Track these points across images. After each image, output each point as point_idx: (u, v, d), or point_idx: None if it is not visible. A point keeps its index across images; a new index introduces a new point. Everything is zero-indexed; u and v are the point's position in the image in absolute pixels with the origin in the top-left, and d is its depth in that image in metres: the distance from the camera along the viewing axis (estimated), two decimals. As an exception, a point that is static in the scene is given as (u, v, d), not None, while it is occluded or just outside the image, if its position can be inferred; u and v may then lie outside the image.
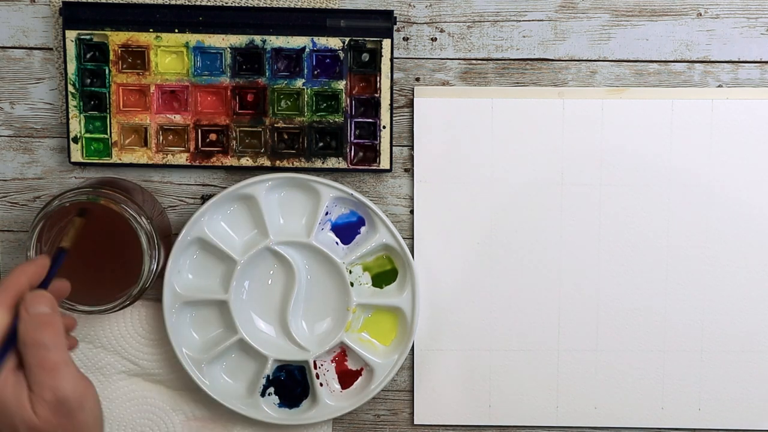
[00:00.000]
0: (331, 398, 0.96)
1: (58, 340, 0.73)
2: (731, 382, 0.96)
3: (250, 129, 0.93)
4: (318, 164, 0.94)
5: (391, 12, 0.92)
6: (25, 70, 0.94)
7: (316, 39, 0.92)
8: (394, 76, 0.93)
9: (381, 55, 0.92)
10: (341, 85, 0.92)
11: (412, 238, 0.95)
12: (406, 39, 0.93)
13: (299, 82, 0.92)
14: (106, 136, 0.93)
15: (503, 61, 0.93)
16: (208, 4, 0.92)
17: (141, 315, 0.96)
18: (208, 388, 0.95)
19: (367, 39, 0.92)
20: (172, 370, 0.97)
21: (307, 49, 0.92)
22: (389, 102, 0.92)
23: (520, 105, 0.93)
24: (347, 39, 0.92)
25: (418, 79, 0.94)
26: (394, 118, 0.94)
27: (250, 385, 0.96)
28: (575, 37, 0.93)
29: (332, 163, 0.93)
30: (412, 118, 0.94)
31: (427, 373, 0.97)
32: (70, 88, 0.92)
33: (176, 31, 0.92)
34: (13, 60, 0.94)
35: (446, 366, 0.96)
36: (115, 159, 0.94)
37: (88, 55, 0.92)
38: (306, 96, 0.93)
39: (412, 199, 0.95)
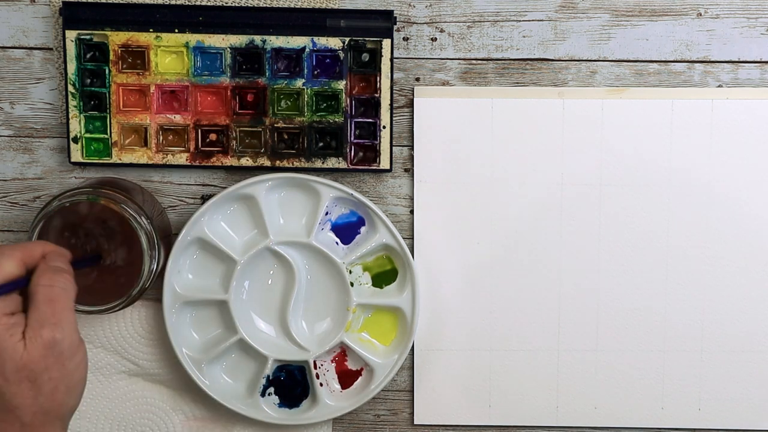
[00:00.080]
0: (331, 398, 0.96)
1: (70, 289, 0.75)
2: (731, 382, 0.96)
3: (250, 129, 0.93)
4: (318, 164, 0.94)
5: (391, 12, 0.92)
6: (25, 70, 0.94)
7: (316, 39, 0.92)
8: (394, 76, 0.93)
9: (381, 55, 0.92)
10: (341, 85, 0.92)
11: (412, 238, 0.95)
12: (406, 39, 0.93)
13: (299, 82, 0.92)
14: (106, 136, 0.93)
15: (503, 61, 0.93)
16: (208, 4, 0.92)
17: (141, 315, 0.96)
18: (208, 388, 0.95)
19: (367, 39, 0.92)
20: (172, 370, 0.97)
21: (307, 49, 0.92)
22: (389, 102, 0.92)
23: (520, 105, 0.93)
24: (347, 39, 0.92)
25: (418, 79, 0.94)
26: (394, 118, 0.94)
27: (250, 385, 0.96)
28: (575, 37, 0.93)
29: (332, 163, 0.93)
30: (412, 118, 0.94)
31: (427, 373, 0.97)
32: (70, 88, 0.92)
33: (176, 31, 0.92)
34: (13, 60, 0.94)
35: (446, 366, 0.96)
36: (115, 159, 0.94)
37: (88, 55, 0.92)
38: (306, 96, 0.93)
39: (412, 199, 0.95)
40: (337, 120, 0.93)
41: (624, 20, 0.93)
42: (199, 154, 0.94)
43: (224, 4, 0.92)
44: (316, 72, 0.92)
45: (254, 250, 0.93)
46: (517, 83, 0.94)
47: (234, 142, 0.93)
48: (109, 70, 0.92)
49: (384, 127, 0.93)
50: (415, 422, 0.97)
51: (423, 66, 0.94)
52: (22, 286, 0.75)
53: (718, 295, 0.95)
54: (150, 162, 0.94)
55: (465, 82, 0.94)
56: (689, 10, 0.93)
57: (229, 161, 0.94)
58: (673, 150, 0.94)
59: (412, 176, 0.95)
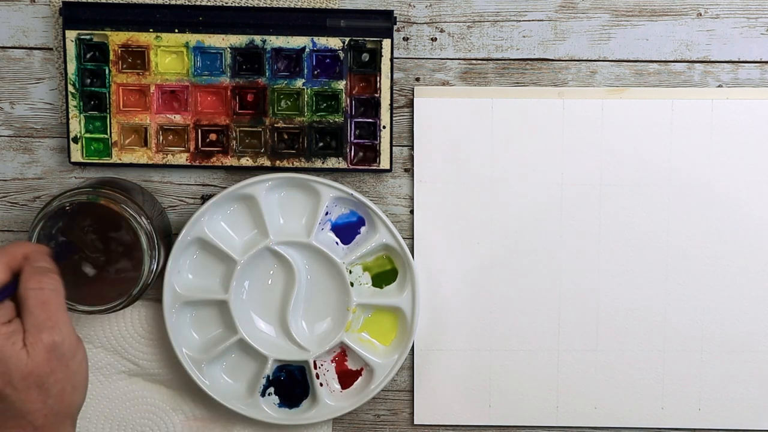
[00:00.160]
0: (331, 398, 0.96)
1: (59, 289, 0.76)
2: (731, 382, 0.96)
3: (250, 129, 0.93)
4: (318, 164, 0.94)
5: (391, 12, 0.92)
6: (25, 70, 0.94)
7: (316, 39, 0.92)
8: (394, 76, 0.93)
9: (381, 55, 0.92)
10: (341, 85, 0.92)
11: (412, 238, 0.95)
12: (406, 39, 0.93)
13: (299, 82, 0.92)
14: (106, 136, 0.93)
15: (503, 61, 0.93)
16: (208, 4, 0.92)
17: (141, 315, 0.96)
18: (208, 388, 0.95)
19: (367, 39, 0.92)
20: (172, 370, 0.97)
21: (307, 49, 0.92)
22: (389, 102, 0.92)
23: (520, 105, 0.93)
24: (347, 39, 0.92)
25: (418, 79, 0.94)
26: (394, 118, 0.94)
27: (250, 385, 0.96)
28: (575, 37, 0.93)
29: (332, 163, 0.93)
30: (412, 118, 0.94)
31: (427, 373, 0.97)
32: (70, 88, 0.92)
33: (176, 31, 0.92)
34: (13, 60, 0.94)
35: (446, 366, 0.96)
36: (115, 159, 0.94)
37: (88, 55, 0.92)
38: (306, 96, 0.93)
39: (412, 199, 0.95)
40: (337, 120, 0.93)
41: (624, 20, 0.93)
42: (199, 154, 0.94)
43: (224, 4, 0.92)
44: (316, 72, 0.92)
45: (254, 250, 0.93)
46: (517, 83, 0.94)
47: (234, 142, 0.93)
48: (109, 70, 0.92)
49: (384, 127, 0.93)
50: (415, 422, 0.97)
51: (423, 66, 0.94)
52: (13, 292, 0.75)
53: (718, 295, 0.95)
54: (150, 162, 0.94)
55: (465, 82, 0.94)
56: (689, 10, 0.93)
57: (229, 161, 0.94)
58: (673, 150, 0.94)
59: (412, 176, 0.95)
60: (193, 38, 0.92)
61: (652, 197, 0.94)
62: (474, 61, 0.94)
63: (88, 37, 0.92)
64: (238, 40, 0.92)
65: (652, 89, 0.93)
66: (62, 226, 0.86)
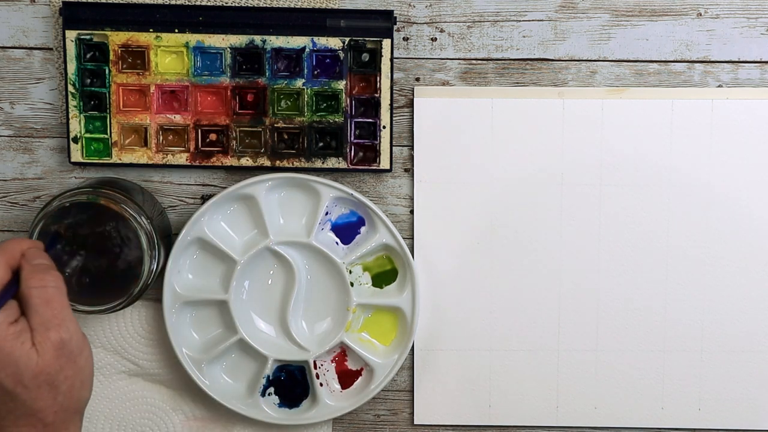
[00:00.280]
0: (331, 398, 0.96)
1: (61, 285, 0.76)
2: (731, 382, 0.96)
3: (250, 129, 0.93)
4: (318, 164, 0.94)
5: (391, 12, 0.92)
6: (25, 70, 0.94)
7: (316, 39, 0.92)
8: (394, 76, 0.93)
9: (381, 55, 0.92)
10: (341, 85, 0.92)
11: (412, 238, 0.95)
12: (406, 39, 0.93)
13: (299, 82, 0.92)
14: (106, 136, 0.93)
15: (503, 61, 0.93)
16: (208, 4, 0.92)
17: (141, 315, 0.96)
18: (208, 388, 0.95)
19: (367, 39, 0.92)
20: (172, 370, 0.97)
21: (307, 49, 0.92)
22: (389, 102, 0.92)
23: (520, 105, 0.93)
24: (347, 39, 0.92)
25: (418, 79, 0.94)
26: (394, 118, 0.94)
27: (250, 385, 0.96)
28: (575, 37, 0.93)
29: (332, 163, 0.93)
30: (412, 118, 0.94)
31: (427, 373, 0.97)
32: (70, 88, 0.92)
33: (176, 31, 0.92)
34: (13, 60, 0.94)
35: (446, 366, 0.96)
36: (115, 159, 0.94)
37: (88, 55, 0.92)
38: (306, 96, 0.93)
39: (412, 199, 0.95)
40: (337, 120, 0.93)
41: (624, 20, 0.93)
42: (199, 154, 0.94)
43: (224, 4, 0.92)
44: (316, 72, 0.92)
45: (254, 250, 0.93)
46: (517, 83, 0.94)
47: (234, 142, 0.93)
48: (109, 70, 0.92)
49: (384, 127, 0.93)
50: (415, 422, 0.97)
51: (423, 66, 0.94)
52: (16, 291, 0.75)
53: (718, 295, 0.95)
54: (150, 162, 0.94)
55: (465, 82, 0.94)
56: (689, 10, 0.93)
57: (229, 161, 0.94)
58: (673, 150, 0.94)
59: (412, 176, 0.95)
60: (193, 38, 0.92)
61: (652, 197, 0.94)
62: (474, 61, 0.94)
63: (88, 37, 0.92)
64: (238, 40, 0.92)
65: (652, 89, 0.93)
66: (62, 226, 0.86)
